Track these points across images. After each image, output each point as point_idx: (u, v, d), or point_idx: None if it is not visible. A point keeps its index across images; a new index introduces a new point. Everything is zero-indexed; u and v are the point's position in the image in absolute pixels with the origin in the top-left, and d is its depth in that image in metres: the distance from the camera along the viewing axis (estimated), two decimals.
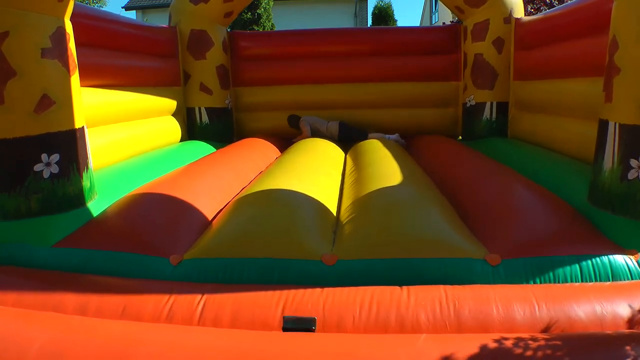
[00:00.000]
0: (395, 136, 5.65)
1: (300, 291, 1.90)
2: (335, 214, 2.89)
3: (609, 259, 2.10)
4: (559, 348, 1.43)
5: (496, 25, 5.21)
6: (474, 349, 1.44)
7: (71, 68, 2.62)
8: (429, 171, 3.95)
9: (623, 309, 1.77)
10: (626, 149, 2.34)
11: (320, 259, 2.18)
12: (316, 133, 5.79)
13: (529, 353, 1.42)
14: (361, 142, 5.15)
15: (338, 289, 1.91)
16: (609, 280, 2.05)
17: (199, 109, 5.61)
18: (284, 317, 1.71)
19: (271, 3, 14.71)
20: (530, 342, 1.48)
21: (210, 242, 2.34)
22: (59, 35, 2.52)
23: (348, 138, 5.60)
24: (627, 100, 2.33)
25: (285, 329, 1.68)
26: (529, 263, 2.11)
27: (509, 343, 1.48)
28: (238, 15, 6.61)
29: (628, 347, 1.43)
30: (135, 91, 4.37)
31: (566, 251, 2.14)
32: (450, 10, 5.99)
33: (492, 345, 1.46)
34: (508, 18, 5.16)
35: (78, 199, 2.65)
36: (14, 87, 2.35)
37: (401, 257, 2.15)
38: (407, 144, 5.57)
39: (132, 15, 20.43)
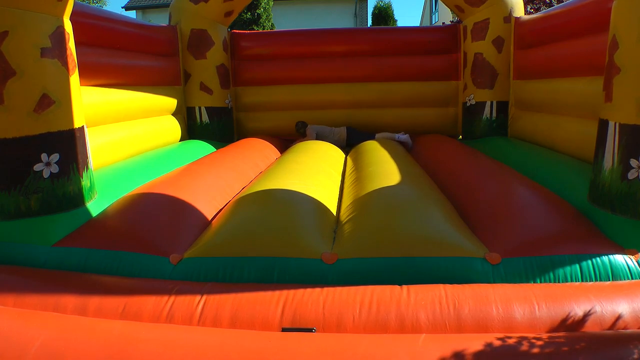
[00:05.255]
0: (405, 136, 5.59)
1: (300, 290, 1.90)
2: (335, 213, 2.89)
3: (609, 258, 2.10)
4: (560, 347, 1.43)
5: (496, 25, 5.21)
6: (474, 349, 1.44)
7: (71, 67, 2.62)
8: (429, 170, 3.95)
9: (623, 309, 1.77)
10: (626, 149, 2.34)
11: (320, 258, 2.18)
12: (323, 140, 5.73)
13: (529, 352, 1.42)
14: (362, 143, 5.15)
15: (338, 288, 1.91)
16: (609, 280, 2.05)
17: (199, 108, 5.61)
18: (282, 329, 1.71)
19: (271, 3, 14.70)
20: (530, 341, 1.47)
21: (210, 241, 2.34)
22: (59, 34, 2.52)
23: (357, 142, 5.47)
24: (627, 100, 2.33)
25: (285, 330, 1.69)
26: (529, 262, 2.11)
27: (509, 342, 1.48)
28: (238, 15, 6.61)
29: (630, 346, 1.43)
30: (136, 90, 4.37)
31: (566, 250, 2.14)
32: (450, 10, 5.99)
33: (492, 344, 1.46)
34: (508, 17, 5.16)
35: (78, 199, 2.65)
36: (13, 86, 2.35)
37: (401, 255, 2.16)
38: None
39: (132, 15, 20.42)
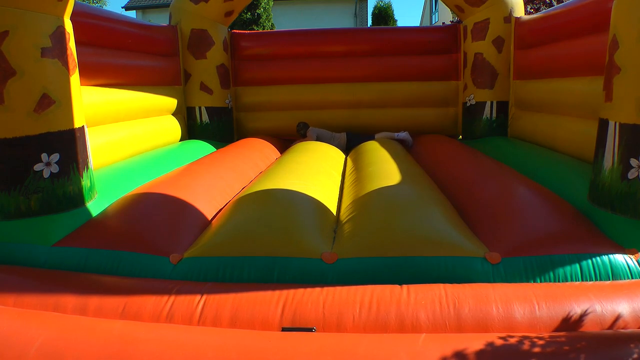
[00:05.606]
0: (404, 134, 5.63)
1: (300, 290, 1.90)
2: (335, 213, 2.89)
3: (609, 258, 2.10)
4: (560, 347, 1.43)
5: (496, 25, 5.21)
6: (474, 348, 1.44)
7: (71, 67, 2.62)
8: (429, 170, 3.95)
9: (623, 308, 1.77)
10: (626, 148, 2.34)
11: (320, 258, 2.18)
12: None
13: (529, 352, 1.42)
14: (362, 143, 5.15)
15: (338, 288, 1.91)
16: (609, 280, 2.05)
17: (199, 108, 5.61)
18: (282, 329, 1.71)
19: (271, 3, 14.70)
20: (531, 341, 1.47)
21: (210, 240, 2.34)
22: (59, 34, 2.52)
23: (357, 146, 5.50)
24: (627, 100, 2.33)
25: (285, 330, 1.69)
26: (529, 262, 2.11)
27: (509, 342, 1.48)
28: (238, 15, 6.61)
29: (630, 346, 1.43)
30: (136, 90, 4.37)
31: (566, 250, 2.14)
32: (451, 10, 5.98)
33: (493, 344, 1.46)
34: (508, 17, 5.17)
35: (78, 199, 2.65)
36: (13, 86, 2.35)
37: (401, 255, 2.16)
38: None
39: (132, 15, 20.41)
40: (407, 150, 5.21)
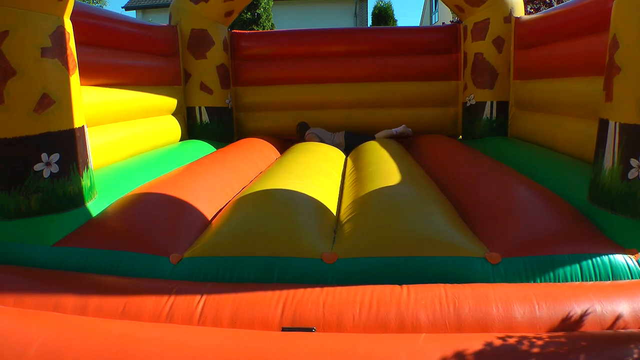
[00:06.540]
0: (401, 127, 5.67)
1: (300, 290, 1.90)
2: (335, 213, 2.89)
3: (609, 258, 2.10)
4: (560, 347, 1.43)
5: (496, 25, 5.21)
6: (474, 348, 1.44)
7: (71, 67, 2.62)
8: (429, 170, 3.95)
9: (623, 308, 1.77)
10: (626, 149, 2.34)
11: (320, 258, 2.18)
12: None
13: (529, 352, 1.42)
14: (362, 143, 5.15)
15: (338, 288, 1.91)
16: (609, 280, 2.05)
17: (199, 108, 5.61)
18: (282, 329, 1.71)
19: (271, 3, 14.70)
20: (530, 341, 1.47)
21: (210, 240, 2.34)
22: (59, 34, 2.52)
23: (356, 146, 5.44)
24: (627, 100, 2.33)
25: (285, 330, 1.69)
26: (529, 262, 2.11)
27: (509, 342, 1.48)
28: (238, 15, 6.61)
29: (630, 346, 1.43)
30: (136, 90, 4.37)
31: (566, 250, 2.14)
32: (450, 9, 5.99)
33: (492, 344, 1.46)
34: (508, 17, 5.16)
35: (78, 199, 2.65)
36: (13, 86, 2.35)
37: (401, 255, 2.16)
38: (407, 144, 5.56)
39: (132, 15, 20.42)
40: (407, 144, 5.24)
